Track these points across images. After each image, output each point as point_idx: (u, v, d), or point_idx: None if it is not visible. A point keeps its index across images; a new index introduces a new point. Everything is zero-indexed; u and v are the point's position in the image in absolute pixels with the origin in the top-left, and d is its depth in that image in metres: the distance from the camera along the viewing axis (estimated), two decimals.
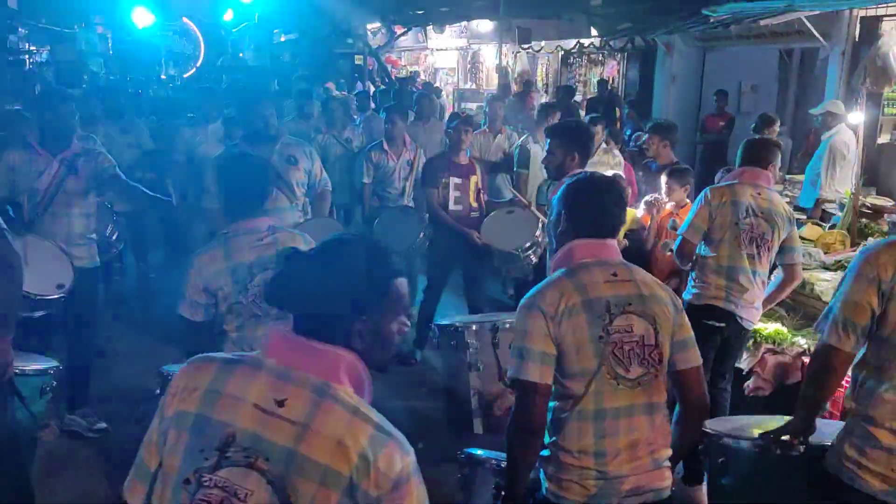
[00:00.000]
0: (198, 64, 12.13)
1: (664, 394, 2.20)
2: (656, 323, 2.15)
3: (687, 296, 3.76)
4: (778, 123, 7.32)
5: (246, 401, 1.38)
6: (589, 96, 12.44)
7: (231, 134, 5.88)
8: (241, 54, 14.50)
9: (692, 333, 2.22)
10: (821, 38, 7.57)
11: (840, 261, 4.25)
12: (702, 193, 3.72)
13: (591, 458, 2.10)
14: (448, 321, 3.80)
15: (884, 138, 7.37)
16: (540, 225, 4.67)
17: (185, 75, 12.24)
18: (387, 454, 1.37)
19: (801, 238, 4.85)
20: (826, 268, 4.24)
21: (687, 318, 2.23)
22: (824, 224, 5.30)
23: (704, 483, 3.38)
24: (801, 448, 2.34)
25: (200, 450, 1.37)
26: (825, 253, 4.37)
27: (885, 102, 7.50)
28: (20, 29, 12.18)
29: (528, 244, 4.73)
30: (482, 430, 3.40)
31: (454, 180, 5.19)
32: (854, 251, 4.87)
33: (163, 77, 11.68)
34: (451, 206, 5.22)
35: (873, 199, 6.40)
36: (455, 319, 3.89)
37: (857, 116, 6.00)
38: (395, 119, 5.93)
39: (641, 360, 2.13)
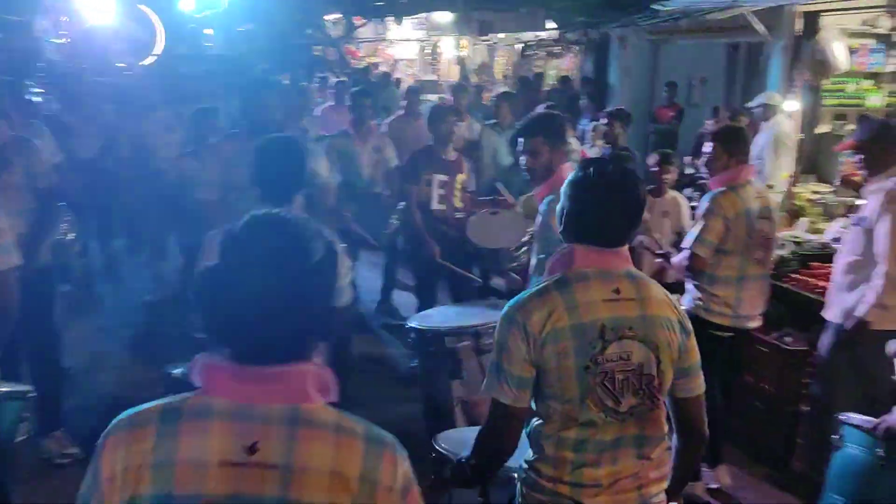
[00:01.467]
0: (156, 52, 12.02)
1: (662, 426, 1.97)
2: (658, 350, 1.89)
3: (689, 303, 3.60)
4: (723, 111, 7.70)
5: (210, 461, 1.14)
6: (547, 88, 12.71)
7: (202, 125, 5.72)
8: (207, 44, 14.43)
9: (698, 358, 1.99)
10: (765, 32, 7.93)
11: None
12: (709, 203, 3.45)
13: (567, 487, 1.90)
14: (426, 324, 3.42)
15: (823, 128, 7.76)
16: (525, 223, 4.23)
17: (140, 63, 12.11)
18: (386, 467, 1.20)
19: None
20: None
21: (694, 341, 1.98)
22: None
23: (723, 464, 3.58)
24: None
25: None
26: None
27: (825, 94, 7.91)
28: None
29: (520, 243, 4.27)
30: None
31: (438, 177, 4.76)
32: (790, 230, 5.21)
33: (119, 65, 11.53)
34: (435, 205, 4.77)
35: (814, 186, 6.79)
36: (433, 322, 3.52)
37: (793, 105, 6.37)
38: (363, 102, 5.71)
39: (636, 391, 1.88)
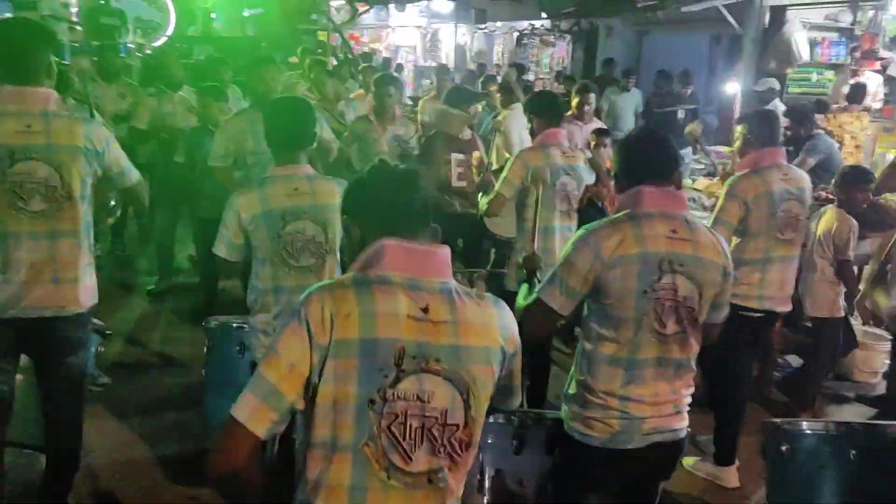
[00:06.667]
0: (168, 33, 12.53)
1: (694, 351, 2.23)
2: (702, 288, 2.16)
3: None
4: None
5: (400, 314, 1.48)
6: (540, 76, 13.27)
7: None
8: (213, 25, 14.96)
9: (729, 295, 2.29)
10: (736, 25, 8.52)
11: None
12: (728, 186, 3.43)
13: (616, 400, 2.16)
14: None
15: None
16: None
17: (154, 44, 12.63)
18: (510, 319, 1.63)
19: (694, 189, 5.74)
20: (704, 208, 5.16)
21: (731, 284, 2.28)
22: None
23: (735, 465, 3.59)
24: None
25: (379, 369, 1.46)
26: (707, 198, 5.28)
27: (790, 83, 8.50)
28: None
29: None
30: None
31: (456, 156, 4.96)
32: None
33: (130, 45, 12.01)
34: (455, 182, 4.94)
35: None
36: None
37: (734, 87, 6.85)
38: (388, 90, 5.31)
39: (678, 320, 2.15)
